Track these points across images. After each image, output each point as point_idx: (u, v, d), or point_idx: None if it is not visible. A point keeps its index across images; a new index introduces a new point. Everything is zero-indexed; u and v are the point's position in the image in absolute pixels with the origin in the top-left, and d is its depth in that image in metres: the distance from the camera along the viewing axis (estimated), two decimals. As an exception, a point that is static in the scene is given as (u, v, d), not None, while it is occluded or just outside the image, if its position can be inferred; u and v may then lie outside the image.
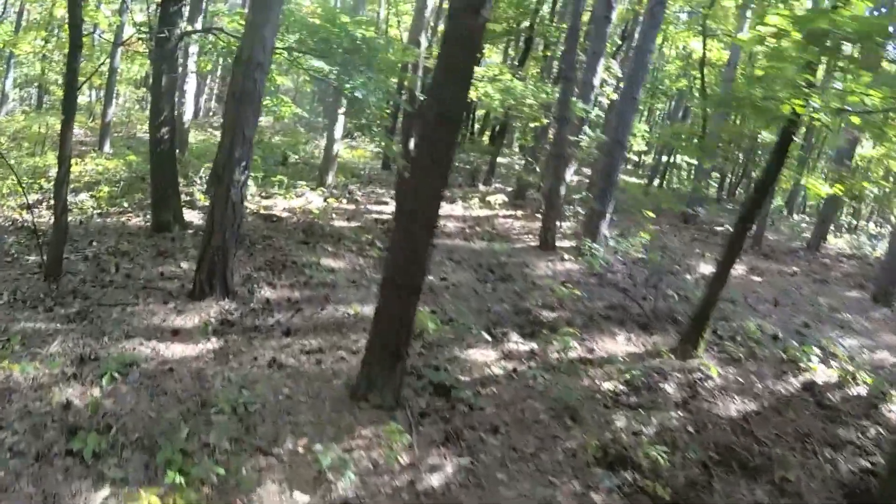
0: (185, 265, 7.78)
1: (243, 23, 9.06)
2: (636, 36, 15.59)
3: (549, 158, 15.20)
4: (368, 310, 6.75)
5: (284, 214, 11.45)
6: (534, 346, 7.11)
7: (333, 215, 11.84)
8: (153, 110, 8.87)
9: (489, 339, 7.04)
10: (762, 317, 9.56)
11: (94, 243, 8.42)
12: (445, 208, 14.38)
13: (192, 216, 10.25)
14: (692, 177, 21.38)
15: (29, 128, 16.20)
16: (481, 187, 17.48)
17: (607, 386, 6.42)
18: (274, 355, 5.87)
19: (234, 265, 6.85)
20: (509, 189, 18.28)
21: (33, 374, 4.96)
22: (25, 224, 9.15)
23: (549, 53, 17.62)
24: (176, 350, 5.73)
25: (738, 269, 12.36)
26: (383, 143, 9.75)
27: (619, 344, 7.61)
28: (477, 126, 24.59)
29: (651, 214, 13.77)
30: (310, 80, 11.60)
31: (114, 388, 4.95)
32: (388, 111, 9.42)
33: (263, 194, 12.61)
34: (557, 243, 11.63)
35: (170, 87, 8.85)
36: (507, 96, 11.32)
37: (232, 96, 6.16)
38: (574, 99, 11.54)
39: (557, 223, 11.88)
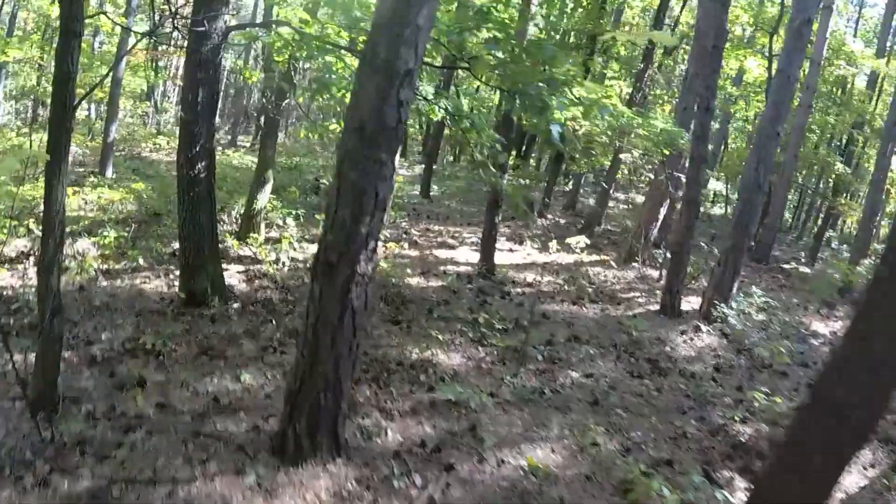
0: (247, 379, 5.21)
1: (308, 18, 6.57)
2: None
3: (649, 197, 12.84)
4: (549, 457, 4.29)
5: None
6: None
7: (407, 269, 9.31)
8: (185, 135, 6.32)
9: (722, 499, 4.51)
10: None
11: (104, 332, 5.84)
12: (517, 253, 11.92)
13: (231, 276, 7.69)
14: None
15: (19, 147, 13.60)
16: (539, 220, 14.99)
17: None
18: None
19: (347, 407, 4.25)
20: (563, 221, 15.89)
21: None
22: (3, 294, 6.55)
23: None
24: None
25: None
26: (508, 189, 7.20)
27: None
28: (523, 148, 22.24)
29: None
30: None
31: None
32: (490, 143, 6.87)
33: (308, 237, 10.05)
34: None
35: (209, 102, 6.31)
36: (612, 123, 8.85)
37: (356, 131, 3.62)
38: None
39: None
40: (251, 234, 9.16)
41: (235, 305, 6.77)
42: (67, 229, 8.21)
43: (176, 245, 8.74)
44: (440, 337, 6.78)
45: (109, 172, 12.90)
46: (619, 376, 6.72)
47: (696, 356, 7.88)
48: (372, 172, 3.66)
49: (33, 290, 6.88)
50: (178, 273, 7.70)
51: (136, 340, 5.64)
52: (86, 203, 10.64)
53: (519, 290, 9.61)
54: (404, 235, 11.62)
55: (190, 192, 6.29)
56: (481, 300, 8.62)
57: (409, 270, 9.25)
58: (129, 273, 7.58)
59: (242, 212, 9.56)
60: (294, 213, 10.06)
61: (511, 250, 12.05)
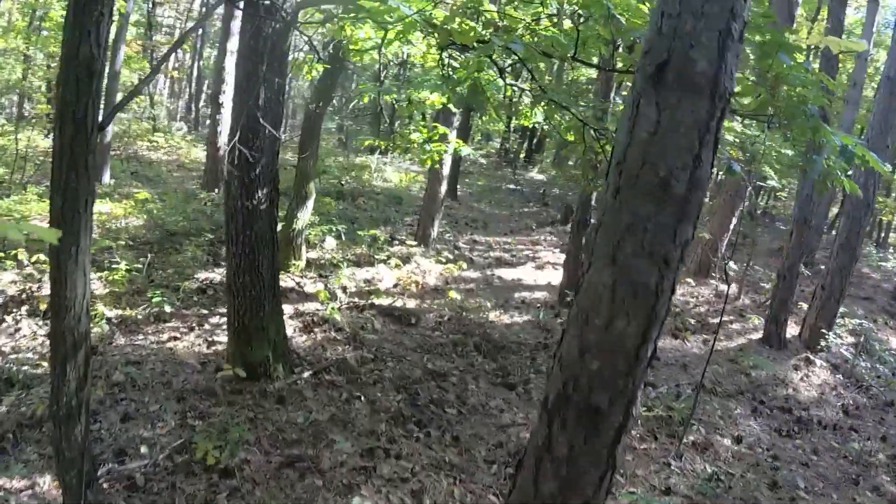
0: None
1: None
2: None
3: (720, 207, 11.33)
4: None
5: (411, 304, 7.24)
6: None
7: (481, 301, 7.70)
8: (239, 154, 4.62)
9: None
10: None
11: (139, 430, 4.18)
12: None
13: (291, 332, 6.01)
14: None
15: (3, 150, 11.69)
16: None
17: None
18: None
19: None
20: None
21: None
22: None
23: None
24: None
25: None
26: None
27: None
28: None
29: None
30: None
31: None
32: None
33: (352, 258, 8.38)
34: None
35: (274, 107, 4.64)
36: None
37: (651, 192, 1.92)
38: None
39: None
40: (292, 261, 7.49)
41: (305, 375, 5.11)
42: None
43: (203, 275, 7.08)
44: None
45: (107, 178, 11.08)
46: (769, 438, 5.96)
47: (820, 397, 7.34)
48: (668, 260, 2.05)
49: (31, 356, 5.23)
50: (213, 321, 6.06)
51: (188, 447, 3.98)
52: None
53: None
54: (455, 251, 9.99)
55: (246, 230, 4.62)
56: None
57: (487, 303, 7.65)
58: (151, 323, 5.89)
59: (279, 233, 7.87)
60: (335, 229, 8.38)
61: (555, 263, 10.43)
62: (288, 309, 6.61)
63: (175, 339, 5.61)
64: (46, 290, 6.32)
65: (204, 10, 17.21)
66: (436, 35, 3.40)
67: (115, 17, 11.03)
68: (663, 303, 2.09)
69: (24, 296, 6.08)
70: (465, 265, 9.01)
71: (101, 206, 9.47)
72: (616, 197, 2.08)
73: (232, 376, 4.79)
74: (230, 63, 9.47)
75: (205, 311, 6.23)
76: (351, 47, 5.10)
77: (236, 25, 9.41)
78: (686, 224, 2.05)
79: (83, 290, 2.64)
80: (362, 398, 4.95)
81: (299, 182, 7.50)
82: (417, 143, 6.00)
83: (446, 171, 9.54)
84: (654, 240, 2.02)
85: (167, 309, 6.05)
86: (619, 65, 5.68)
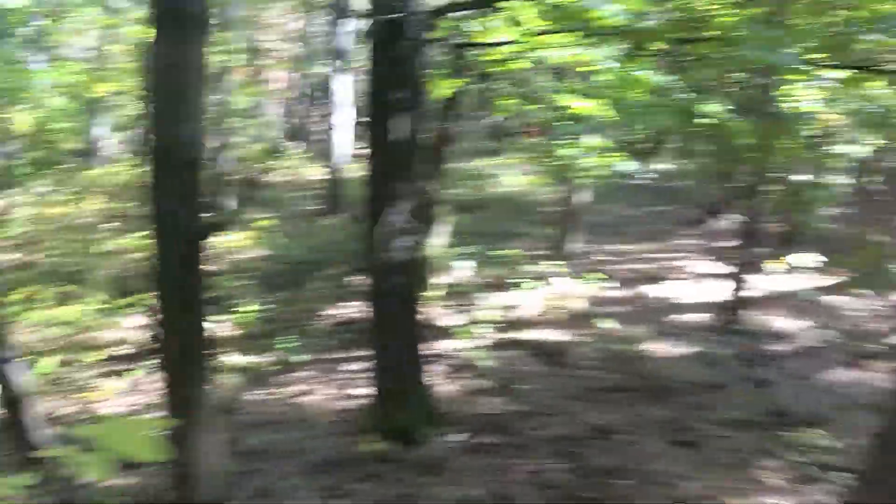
0: None
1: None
2: None
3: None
4: None
5: (558, 336, 6.45)
6: None
7: (634, 330, 6.78)
8: (371, 195, 4.02)
9: None
10: None
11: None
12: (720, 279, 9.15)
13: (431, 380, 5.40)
14: None
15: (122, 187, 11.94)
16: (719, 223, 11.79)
17: None
18: None
19: None
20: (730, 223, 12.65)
21: None
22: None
23: None
24: None
25: None
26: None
27: None
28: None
29: None
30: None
31: None
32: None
33: (485, 281, 7.69)
34: None
35: (408, 142, 4.00)
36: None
37: None
38: None
39: None
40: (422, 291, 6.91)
41: (460, 438, 4.45)
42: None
43: (333, 311, 6.64)
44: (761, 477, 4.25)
45: (232, 204, 11.05)
46: None
47: None
48: None
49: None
50: (347, 368, 5.54)
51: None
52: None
53: (777, 346, 6.91)
54: (593, 265, 9.06)
55: (387, 280, 4.01)
56: (755, 378, 5.99)
57: (639, 332, 6.73)
58: (280, 373, 5.46)
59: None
60: (472, 253, 7.72)
61: (704, 276, 9.07)
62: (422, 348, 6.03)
63: (308, 391, 5.13)
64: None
65: (307, 30, 17.22)
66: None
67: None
68: None
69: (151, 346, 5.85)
70: (606, 283, 8.11)
71: (223, 237, 9.37)
72: None
73: (375, 442, 4.21)
74: (338, 82, 9.08)
75: (338, 356, 5.75)
76: (487, 57, 4.43)
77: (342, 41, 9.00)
78: None
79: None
80: (525, 467, 4.23)
81: (429, 207, 6.90)
82: (571, 160, 5.24)
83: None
84: None
85: (298, 358, 5.60)
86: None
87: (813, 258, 9.43)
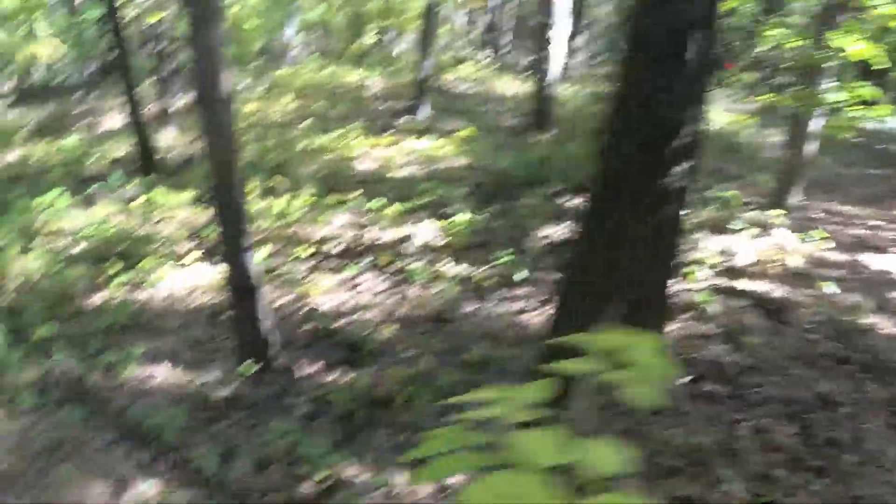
0: None
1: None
2: None
3: None
4: None
5: (779, 292, 6.15)
6: None
7: (860, 301, 6.30)
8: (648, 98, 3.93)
9: None
10: None
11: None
12: None
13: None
14: None
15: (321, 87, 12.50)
16: None
17: None
18: None
19: None
20: None
21: None
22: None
23: None
24: None
25: None
26: None
27: None
28: None
29: None
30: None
31: None
32: None
33: (700, 222, 7.37)
34: None
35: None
36: None
37: None
38: None
39: None
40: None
41: (683, 381, 4.47)
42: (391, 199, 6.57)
43: (547, 231, 6.68)
44: None
45: (423, 113, 11.32)
46: None
47: None
48: None
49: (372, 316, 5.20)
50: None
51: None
52: (407, 157, 9.09)
53: None
54: (812, 222, 8.43)
55: (648, 217, 3.98)
56: None
57: (866, 304, 6.24)
58: (498, 287, 5.67)
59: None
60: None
61: None
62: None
63: (525, 311, 5.32)
64: (385, 238, 6.49)
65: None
66: None
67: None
68: None
69: (361, 245, 6.26)
70: (827, 243, 7.53)
71: (420, 143, 9.67)
72: None
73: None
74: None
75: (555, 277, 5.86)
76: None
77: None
78: None
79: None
80: (750, 422, 4.19)
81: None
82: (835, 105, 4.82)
83: (815, 125, 7.89)
84: None
85: (519, 275, 5.77)
86: None
87: None
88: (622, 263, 4.14)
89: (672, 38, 3.61)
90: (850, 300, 6.31)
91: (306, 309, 5.36)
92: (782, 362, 5.01)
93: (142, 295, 5.69)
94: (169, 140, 10.44)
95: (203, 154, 4.34)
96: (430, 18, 11.04)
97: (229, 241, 4.22)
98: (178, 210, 7.36)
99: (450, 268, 5.96)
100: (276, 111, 11.38)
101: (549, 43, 8.89)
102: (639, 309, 4.25)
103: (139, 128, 9.06)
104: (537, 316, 5.22)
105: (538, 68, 9.29)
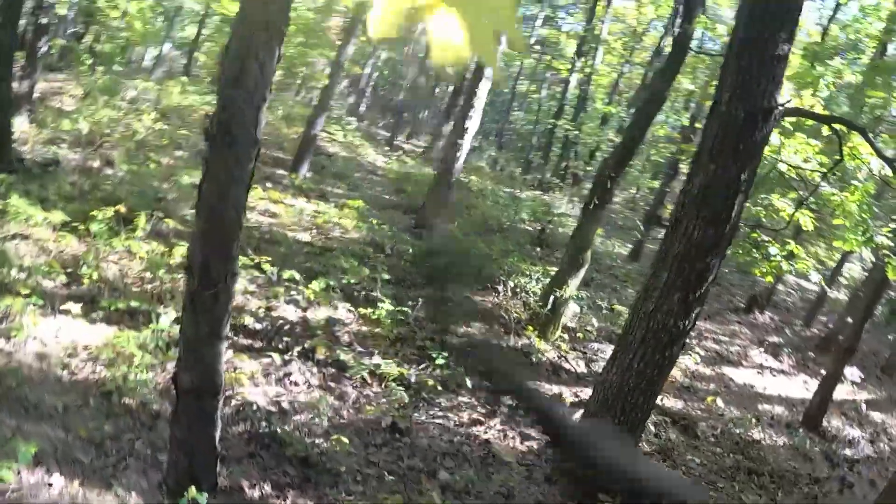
0: None
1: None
2: None
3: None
4: None
5: (678, 406, 6.52)
6: None
7: (746, 414, 6.94)
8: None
9: None
10: None
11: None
12: (780, 377, 9.50)
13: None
14: None
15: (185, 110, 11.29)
16: (762, 317, 12.02)
17: None
18: None
19: None
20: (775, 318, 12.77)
21: None
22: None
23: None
24: None
25: None
26: None
27: None
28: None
29: None
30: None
31: None
32: None
33: (594, 331, 7.65)
34: None
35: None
36: None
37: None
38: None
39: None
40: (553, 331, 6.92)
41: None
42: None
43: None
44: None
45: (304, 172, 10.71)
46: None
47: None
48: None
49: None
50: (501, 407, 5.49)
51: None
52: (297, 217, 8.44)
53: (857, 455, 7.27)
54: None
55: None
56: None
57: (753, 419, 6.91)
58: (441, 392, 5.34)
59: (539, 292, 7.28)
60: (579, 295, 7.66)
61: (764, 368, 9.20)
62: (567, 392, 6.06)
63: (478, 423, 5.05)
64: (308, 319, 5.89)
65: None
66: None
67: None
68: None
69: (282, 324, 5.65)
70: (697, 359, 8.26)
71: (307, 204, 9.08)
72: None
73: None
74: (482, 87, 8.90)
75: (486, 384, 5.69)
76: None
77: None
78: None
79: None
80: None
81: (577, 246, 6.88)
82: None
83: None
84: None
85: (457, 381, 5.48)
86: None
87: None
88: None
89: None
90: (734, 414, 6.95)
91: (237, 403, 4.55)
92: (710, 476, 5.32)
93: (5, 346, 4.30)
94: (25, 131, 8.24)
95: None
96: (334, 74, 10.62)
97: (197, 326, 3.37)
98: (39, 230, 5.80)
99: (386, 365, 5.43)
100: (140, 127, 9.77)
101: (466, 132, 8.93)
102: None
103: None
104: (492, 430, 4.98)
105: (449, 153, 9.23)
